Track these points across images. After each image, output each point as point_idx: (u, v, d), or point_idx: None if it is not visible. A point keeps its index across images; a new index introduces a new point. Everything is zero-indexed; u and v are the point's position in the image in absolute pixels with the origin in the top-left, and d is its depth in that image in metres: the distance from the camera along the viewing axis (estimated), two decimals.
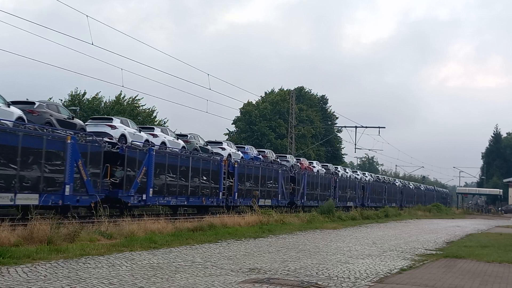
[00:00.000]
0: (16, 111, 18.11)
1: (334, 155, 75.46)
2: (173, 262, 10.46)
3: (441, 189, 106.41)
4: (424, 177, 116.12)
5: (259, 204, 30.55)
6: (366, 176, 59.43)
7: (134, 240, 13.08)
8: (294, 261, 11.48)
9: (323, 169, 47.94)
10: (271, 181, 36.15)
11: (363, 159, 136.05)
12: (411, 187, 77.55)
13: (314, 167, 46.17)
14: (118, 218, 19.05)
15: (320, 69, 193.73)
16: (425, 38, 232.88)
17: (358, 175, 57.01)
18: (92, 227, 14.63)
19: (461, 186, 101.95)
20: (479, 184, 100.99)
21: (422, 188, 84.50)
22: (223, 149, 32.00)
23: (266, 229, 19.00)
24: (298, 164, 42.14)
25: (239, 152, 33.64)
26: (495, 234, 24.74)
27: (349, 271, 10.25)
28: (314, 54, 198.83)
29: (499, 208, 77.02)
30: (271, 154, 38.44)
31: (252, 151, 36.43)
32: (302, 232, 19.72)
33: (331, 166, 51.48)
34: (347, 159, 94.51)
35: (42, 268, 8.96)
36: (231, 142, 33.95)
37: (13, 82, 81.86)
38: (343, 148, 79.49)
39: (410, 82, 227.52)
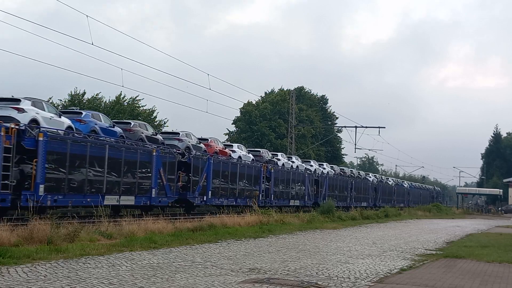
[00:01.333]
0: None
1: (334, 155, 75.44)
2: (173, 262, 10.46)
3: (430, 187, 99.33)
4: (424, 177, 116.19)
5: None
6: (324, 168, 48.57)
7: (134, 240, 13.08)
8: (294, 261, 11.48)
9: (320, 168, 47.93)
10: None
11: (363, 159, 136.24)
12: (390, 183, 68.34)
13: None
14: (118, 218, 19.06)
15: (320, 69, 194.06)
16: (425, 38, 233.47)
17: (311, 165, 46.03)
18: (92, 227, 14.62)
19: (461, 186, 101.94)
20: (479, 184, 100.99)
21: (405, 185, 75.86)
22: (180, 140, 27.80)
23: (266, 229, 19.00)
24: (275, 159, 40.33)
25: (201, 145, 29.75)
26: (495, 234, 24.75)
27: (349, 271, 10.26)
28: (314, 54, 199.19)
29: (499, 208, 77.01)
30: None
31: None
32: (302, 232, 19.72)
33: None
34: (347, 159, 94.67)
35: (42, 268, 8.96)
36: (190, 133, 29.39)
37: (14, 82, 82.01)
38: (343, 148, 79.61)
39: (410, 82, 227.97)
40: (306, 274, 9.73)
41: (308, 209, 36.02)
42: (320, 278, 9.31)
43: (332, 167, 51.44)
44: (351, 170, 57.97)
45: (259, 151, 38.30)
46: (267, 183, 35.02)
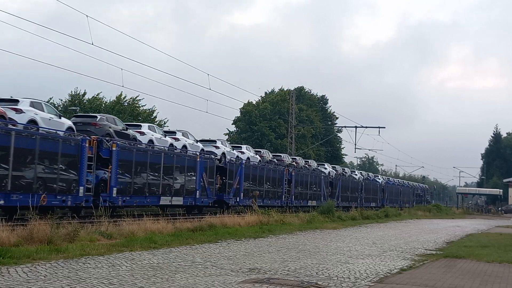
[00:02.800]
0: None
1: (334, 155, 75.44)
2: (173, 262, 10.46)
3: (416, 183, 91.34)
4: (424, 177, 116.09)
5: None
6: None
7: (134, 240, 13.08)
8: (294, 261, 11.48)
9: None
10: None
11: (363, 159, 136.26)
12: (356, 177, 55.71)
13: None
14: (118, 218, 19.06)
15: (320, 70, 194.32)
16: (424, 40, 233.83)
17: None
18: (92, 227, 14.61)
19: (461, 186, 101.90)
20: (479, 184, 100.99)
21: (379, 181, 64.16)
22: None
23: (266, 229, 18.99)
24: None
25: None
26: (495, 234, 24.74)
27: (349, 271, 10.25)
28: (314, 55, 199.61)
29: (499, 208, 77.00)
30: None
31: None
32: (302, 232, 19.72)
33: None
34: (347, 159, 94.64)
35: (42, 268, 8.95)
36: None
37: (15, 83, 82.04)
38: (343, 148, 79.62)
39: (409, 82, 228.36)
40: (306, 274, 9.73)
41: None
42: (320, 278, 9.30)
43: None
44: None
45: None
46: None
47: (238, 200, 31.95)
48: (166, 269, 9.54)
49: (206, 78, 34.95)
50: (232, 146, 35.05)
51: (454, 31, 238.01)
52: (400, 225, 30.02)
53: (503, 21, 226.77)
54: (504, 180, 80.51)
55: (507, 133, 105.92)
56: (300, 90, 74.60)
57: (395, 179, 79.67)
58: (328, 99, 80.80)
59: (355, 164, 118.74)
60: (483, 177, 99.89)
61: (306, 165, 44.42)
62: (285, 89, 70.15)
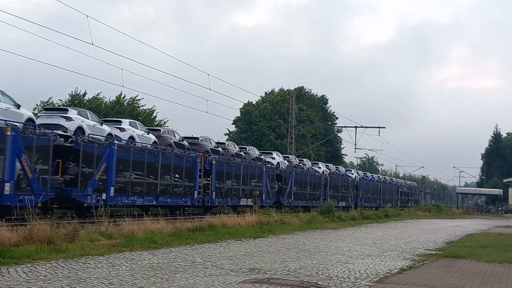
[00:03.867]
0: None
1: (334, 155, 75.42)
2: (173, 262, 10.46)
3: (401, 181, 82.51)
4: (424, 177, 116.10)
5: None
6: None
7: (134, 240, 13.08)
8: (294, 261, 11.48)
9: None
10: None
11: (363, 159, 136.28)
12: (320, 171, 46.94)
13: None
14: (118, 218, 19.06)
15: (320, 70, 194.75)
16: (424, 40, 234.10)
17: (320, 167, 47.26)
18: (92, 227, 14.62)
19: (461, 186, 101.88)
20: (479, 184, 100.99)
21: (352, 176, 53.85)
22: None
23: (266, 229, 18.99)
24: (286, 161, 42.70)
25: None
26: (495, 234, 24.74)
27: (349, 271, 10.25)
28: (315, 55, 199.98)
29: (499, 208, 76.99)
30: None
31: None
32: (302, 232, 19.72)
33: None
34: (347, 159, 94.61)
35: (42, 268, 8.95)
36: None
37: (17, 84, 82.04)
38: (343, 148, 79.59)
39: (409, 82, 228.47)
40: (306, 274, 9.73)
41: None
42: (320, 278, 9.30)
43: (337, 167, 54.83)
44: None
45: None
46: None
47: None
48: (166, 269, 9.54)
49: (206, 78, 34.99)
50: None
51: (453, 32, 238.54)
52: (400, 225, 30.02)
53: (502, 21, 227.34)
54: (504, 180, 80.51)
55: (507, 133, 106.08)
56: (300, 90, 74.59)
57: (375, 175, 68.64)
58: (328, 99, 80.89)
59: (355, 164, 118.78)
60: (483, 177, 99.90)
61: (262, 156, 40.60)
62: (285, 89, 70.17)
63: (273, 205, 35.76)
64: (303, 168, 43.35)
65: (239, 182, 32.20)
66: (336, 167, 53.84)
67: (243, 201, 32.12)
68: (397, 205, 62.90)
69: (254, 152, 36.97)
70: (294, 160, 43.50)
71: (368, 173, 65.81)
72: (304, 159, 47.37)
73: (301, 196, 40.88)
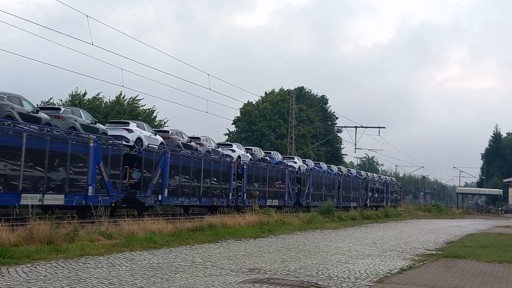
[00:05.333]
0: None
1: (334, 155, 75.41)
2: (173, 262, 10.46)
3: (376, 175, 66.94)
4: (424, 177, 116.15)
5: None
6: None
7: (134, 240, 13.08)
8: (294, 261, 11.47)
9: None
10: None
11: (363, 159, 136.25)
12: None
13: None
14: (119, 218, 19.08)
15: (320, 71, 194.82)
16: (423, 41, 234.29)
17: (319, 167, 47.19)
18: (92, 227, 14.62)
19: (461, 186, 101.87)
20: (479, 184, 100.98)
21: (296, 165, 40.50)
22: (233, 151, 34.08)
23: (266, 229, 18.99)
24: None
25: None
26: (495, 234, 24.74)
27: (349, 271, 10.25)
28: (315, 56, 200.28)
29: (499, 208, 76.97)
30: (258, 152, 39.05)
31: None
32: (302, 232, 19.71)
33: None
34: (347, 159, 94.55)
35: (42, 268, 8.95)
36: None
37: (17, 84, 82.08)
38: (343, 148, 79.52)
39: (409, 83, 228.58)
40: (306, 274, 9.73)
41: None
42: (320, 278, 9.30)
43: (318, 163, 50.66)
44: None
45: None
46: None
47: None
48: (166, 269, 9.54)
49: (206, 78, 34.99)
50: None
51: (453, 33, 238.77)
52: (400, 225, 30.02)
53: (501, 23, 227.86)
54: (504, 180, 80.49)
55: (507, 133, 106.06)
56: (300, 90, 74.56)
57: (332, 166, 52.02)
58: (328, 99, 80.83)
59: (355, 164, 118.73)
60: (483, 177, 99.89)
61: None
62: (285, 89, 70.14)
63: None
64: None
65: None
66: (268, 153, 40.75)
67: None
68: (366, 205, 52.35)
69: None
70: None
71: (323, 164, 49.22)
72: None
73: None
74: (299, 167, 40.96)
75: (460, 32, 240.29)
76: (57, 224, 12.50)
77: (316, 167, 46.23)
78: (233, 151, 33.56)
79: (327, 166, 50.61)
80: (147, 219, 16.72)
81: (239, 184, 32.03)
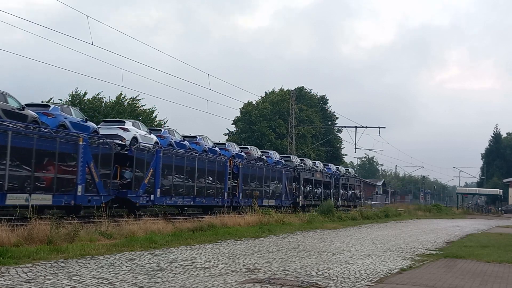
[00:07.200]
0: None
1: (334, 155, 75.40)
2: (173, 262, 10.46)
3: (315, 163, 47.44)
4: (424, 177, 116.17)
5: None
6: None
7: (134, 240, 13.08)
8: (294, 261, 11.47)
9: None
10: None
11: (363, 159, 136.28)
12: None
13: (317, 166, 47.49)
14: (118, 218, 19.07)
15: (320, 71, 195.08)
16: (423, 42, 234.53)
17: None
18: (92, 227, 14.62)
19: (461, 186, 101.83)
20: (479, 184, 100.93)
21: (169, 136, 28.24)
22: (227, 150, 33.08)
23: (266, 229, 18.98)
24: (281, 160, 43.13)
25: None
26: (495, 234, 24.73)
27: (349, 271, 10.25)
28: (315, 57, 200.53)
29: (499, 208, 76.91)
30: (255, 151, 37.74)
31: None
32: (302, 232, 19.71)
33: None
34: (347, 159, 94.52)
35: (42, 268, 8.95)
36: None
37: (18, 84, 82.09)
38: (343, 148, 79.54)
39: (409, 83, 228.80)
40: (306, 274, 9.73)
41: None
42: (320, 278, 9.30)
43: (314, 162, 49.00)
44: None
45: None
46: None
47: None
48: (166, 269, 9.54)
49: (207, 78, 35.02)
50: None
51: (453, 34, 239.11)
52: (400, 225, 30.01)
53: (499, 25, 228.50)
54: (504, 180, 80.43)
55: (507, 133, 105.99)
56: (300, 90, 74.57)
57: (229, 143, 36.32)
58: (328, 99, 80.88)
59: (355, 164, 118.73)
60: (483, 177, 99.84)
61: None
62: (285, 89, 70.14)
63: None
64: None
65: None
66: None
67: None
68: (290, 201, 38.50)
69: (256, 152, 37.36)
70: (309, 162, 46.04)
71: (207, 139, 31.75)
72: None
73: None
74: (136, 137, 32.87)
75: (460, 34, 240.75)
76: (57, 224, 12.50)
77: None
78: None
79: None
80: (147, 219, 16.71)
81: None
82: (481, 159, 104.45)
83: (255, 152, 36.92)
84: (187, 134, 31.41)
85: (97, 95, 45.91)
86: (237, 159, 32.47)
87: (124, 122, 24.49)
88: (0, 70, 76.28)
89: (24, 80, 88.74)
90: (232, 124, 66.13)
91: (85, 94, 45.56)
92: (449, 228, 28.48)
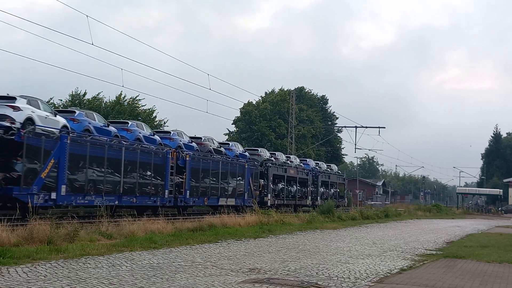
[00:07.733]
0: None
1: (334, 155, 75.39)
2: (173, 262, 10.46)
3: (290, 158, 43.47)
4: (424, 177, 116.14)
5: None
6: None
7: (134, 240, 13.08)
8: (294, 261, 11.47)
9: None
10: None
11: (363, 159, 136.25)
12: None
13: (291, 162, 42.52)
14: (118, 218, 19.05)
15: (321, 71, 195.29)
16: (423, 43, 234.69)
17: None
18: (92, 227, 14.62)
19: (461, 186, 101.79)
20: (479, 184, 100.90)
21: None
22: (171, 139, 28.17)
23: (266, 229, 18.98)
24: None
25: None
26: (495, 234, 24.73)
27: (349, 271, 10.25)
28: (315, 57, 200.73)
29: (499, 208, 76.88)
30: (210, 142, 32.96)
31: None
32: (302, 232, 19.71)
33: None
34: (347, 159, 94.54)
35: (42, 268, 8.95)
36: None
37: (19, 85, 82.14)
38: (343, 148, 79.50)
39: (409, 83, 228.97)
40: (306, 274, 9.73)
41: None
42: (320, 278, 9.30)
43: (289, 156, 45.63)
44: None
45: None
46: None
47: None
48: (166, 269, 9.54)
49: (207, 78, 35.00)
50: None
51: (452, 35, 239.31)
52: (400, 225, 30.00)
53: (499, 24, 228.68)
54: (504, 180, 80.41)
55: (507, 133, 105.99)
56: (300, 90, 74.55)
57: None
58: (328, 99, 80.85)
59: (355, 164, 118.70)
60: (483, 177, 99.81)
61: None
62: (285, 89, 70.13)
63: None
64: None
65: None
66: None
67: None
68: (265, 202, 35.14)
69: (213, 143, 32.10)
70: (281, 157, 40.99)
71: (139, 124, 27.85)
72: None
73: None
74: (32, 119, 27.37)
75: (459, 34, 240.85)
76: (57, 224, 12.50)
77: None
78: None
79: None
80: (147, 219, 16.70)
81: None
82: (481, 159, 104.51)
83: (211, 143, 31.73)
84: (190, 135, 30.25)
85: (97, 95, 45.96)
86: (184, 150, 27.46)
87: (15, 99, 18.78)
88: (0, 70, 76.41)
89: (24, 80, 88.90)
90: (232, 124, 66.20)
91: (85, 94, 45.59)
92: (449, 228, 28.48)
